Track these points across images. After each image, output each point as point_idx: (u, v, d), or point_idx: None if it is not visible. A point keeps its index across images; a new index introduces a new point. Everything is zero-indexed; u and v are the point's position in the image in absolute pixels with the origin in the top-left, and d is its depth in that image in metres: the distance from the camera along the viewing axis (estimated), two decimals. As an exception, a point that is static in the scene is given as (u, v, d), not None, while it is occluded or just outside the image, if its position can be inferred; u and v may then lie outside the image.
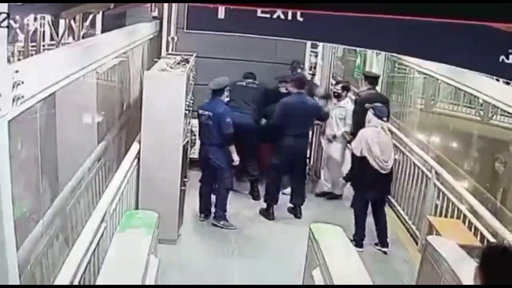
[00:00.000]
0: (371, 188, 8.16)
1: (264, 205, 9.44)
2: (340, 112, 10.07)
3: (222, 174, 8.85)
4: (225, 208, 8.93)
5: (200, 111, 8.76)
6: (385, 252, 8.21)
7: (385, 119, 8.19)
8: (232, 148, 8.81)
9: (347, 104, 10.07)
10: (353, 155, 8.41)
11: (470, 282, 3.21)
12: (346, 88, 10.23)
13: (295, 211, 9.42)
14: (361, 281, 5.02)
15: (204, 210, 9.04)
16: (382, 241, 8.33)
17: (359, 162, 8.15)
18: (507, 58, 4.81)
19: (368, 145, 7.97)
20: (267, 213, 9.36)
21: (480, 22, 3.99)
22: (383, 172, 8.05)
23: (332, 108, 10.25)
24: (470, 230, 7.30)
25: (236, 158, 8.85)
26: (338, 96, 10.14)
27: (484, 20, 3.68)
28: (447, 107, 10.18)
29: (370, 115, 8.16)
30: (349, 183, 8.87)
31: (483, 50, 4.96)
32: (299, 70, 10.59)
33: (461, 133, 9.18)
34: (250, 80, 10.28)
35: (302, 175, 9.68)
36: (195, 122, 9.18)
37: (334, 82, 10.73)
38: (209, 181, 8.98)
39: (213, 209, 8.98)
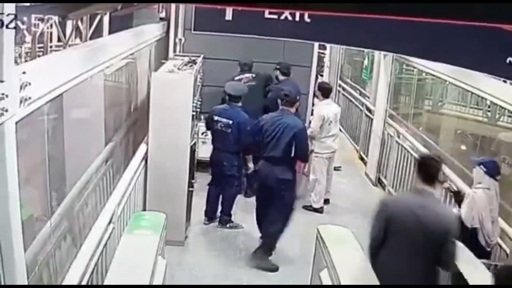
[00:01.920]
0: None
1: None
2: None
3: (232, 181, 8.79)
4: (230, 213, 8.92)
5: (216, 118, 8.57)
6: None
7: (498, 177, 6.17)
8: (249, 157, 8.70)
9: (317, 106, 10.00)
10: (463, 227, 5.94)
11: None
12: (321, 88, 10.00)
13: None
14: (369, 283, 5.01)
15: (210, 213, 9.01)
16: None
17: (469, 237, 5.94)
18: (515, 60, 4.81)
19: (481, 215, 6.07)
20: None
21: (488, 24, 3.98)
22: (488, 250, 6.16)
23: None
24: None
25: (251, 166, 8.73)
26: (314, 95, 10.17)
27: (491, 22, 3.67)
28: (454, 109, 10.15)
29: (480, 173, 6.18)
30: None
31: (490, 52, 4.95)
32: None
33: (468, 134, 9.15)
34: (247, 75, 10.15)
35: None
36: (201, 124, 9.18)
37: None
38: (218, 185, 8.92)
39: (218, 214, 8.98)
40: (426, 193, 5.19)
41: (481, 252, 5.85)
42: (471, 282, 5.08)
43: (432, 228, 5.05)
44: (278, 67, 10.22)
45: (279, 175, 7.68)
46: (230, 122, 8.48)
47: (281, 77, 10.16)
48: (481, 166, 6.16)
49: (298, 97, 8.31)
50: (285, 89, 8.23)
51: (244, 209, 9.28)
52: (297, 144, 7.65)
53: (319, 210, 9.83)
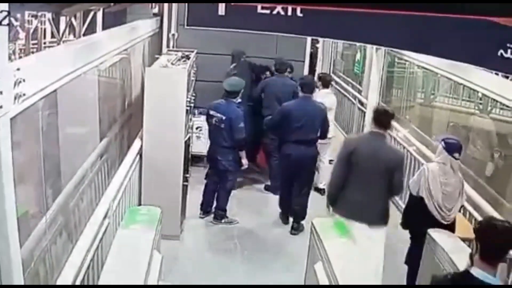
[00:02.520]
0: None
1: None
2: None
3: (227, 175, 8.84)
4: (225, 208, 8.98)
5: (212, 112, 8.68)
6: None
7: (457, 155, 6.48)
8: (243, 153, 8.79)
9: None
10: (410, 196, 6.77)
11: None
12: (320, 78, 10.57)
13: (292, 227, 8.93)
14: (363, 275, 5.05)
15: (206, 207, 9.05)
16: None
17: (415, 205, 6.56)
18: (506, 52, 4.82)
19: (427, 184, 6.42)
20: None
21: (479, 17, 4.03)
22: (443, 222, 6.42)
23: None
24: (471, 222, 7.33)
25: (245, 162, 8.85)
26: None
27: (483, 15, 3.72)
28: (446, 101, 10.20)
29: (439, 148, 6.62)
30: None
31: (482, 45, 4.96)
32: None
33: (460, 126, 9.19)
34: (231, 67, 10.37)
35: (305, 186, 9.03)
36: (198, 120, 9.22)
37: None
38: (214, 180, 8.99)
39: (213, 209, 9.04)
40: (380, 135, 6.62)
41: (432, 223, 6.34)
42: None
43: (385, 159, 6.49)
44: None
45: (312, 153, 8.79)
46: (223, 117, 8.53)
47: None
48: (442, 142, 6.61)
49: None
50: (304, 78, 9.36)
51: (239, 204, 9.34)
52: (323, 127, 8.80)
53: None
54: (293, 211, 8.96)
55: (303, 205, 8.87)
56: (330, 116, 9.91)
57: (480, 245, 3.84)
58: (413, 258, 6.53)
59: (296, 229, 8.78)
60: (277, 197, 9.39)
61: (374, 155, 6.49)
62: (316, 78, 10.71)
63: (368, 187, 6.50)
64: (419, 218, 6.51)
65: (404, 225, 6.81)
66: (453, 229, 6.49)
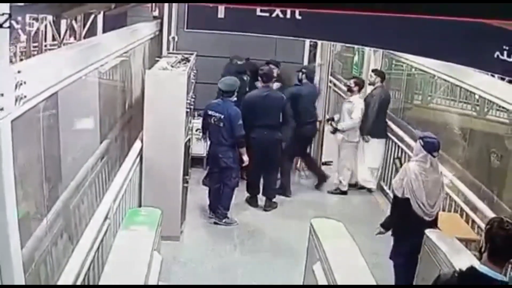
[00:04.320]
0: (412, 238, 6.47)
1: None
2: (348, 107, 10.44)
3: (230, 173, 8.89)
4: (228, 207, 8.99)
5: (210, 112, 8.78)
6: None
7: (435, 153, 6.60)
8: (243, 150, 8.88)
9: (356, 100, 10.38)
10: (394, 197, 6.81)
11: None
12: (357, 84, 10.57)
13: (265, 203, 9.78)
14: (362, 276, 5.07)
15: (214, 207, 9.06)
16: None
17: (401, 206, 6.62)
18: (502, 54, 4.86)
19: (411, 185, 6.48)
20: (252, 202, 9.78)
21: (476, 19, 4.05)
22: (426, 219, 6.53)
23: (343, 102, 10.97)
24: (468, 223, 7.37)
25: (246, 158, 8.93)
26: (350, 91, 10.59)
27: (479, 17, 3.75)
28: (444, 103, 10.25)
29: (418, 147, 6.67)
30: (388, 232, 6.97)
31: (478, 47, 5.01)
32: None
33: (457, 128, 9.22)
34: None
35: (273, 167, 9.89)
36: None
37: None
38: (217, 179, 9.02)
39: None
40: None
41: (416, 221, 6.43)
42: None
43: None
44: (304, 70, 10.61)
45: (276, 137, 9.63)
46: (222, 116, 8.65)
47: (304, 80, 10.55)
48: (420, 141, 6.62)
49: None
50: (264, 69, 9.81)
51: (237, 205, 9.37)
52: (284, 112, 9.61)
53: (345, 192, 10.66)
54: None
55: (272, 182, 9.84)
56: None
57: (490, 245, 3.88)
58: (397, 255, 6.68)
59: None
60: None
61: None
62: (350, 82, 10.80)
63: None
64: (403, 217, 6.59)
65: (387, 225, 6.83)
66: (436, 224, 6.64)
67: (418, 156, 6.59)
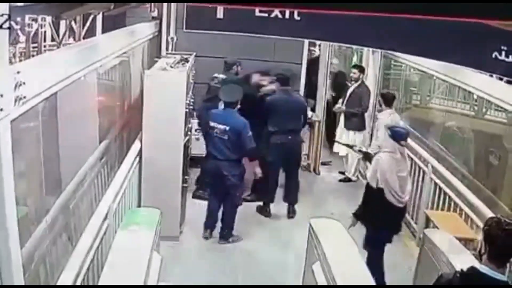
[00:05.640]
0: (385, 225, 6.80)
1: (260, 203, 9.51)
2: (376, 124, 10.39)
3: (234, 191, 8.27)
4: (233, 226, 8.43)
5: (212, 124, 8.14)
6: None
7: (403, 142, 6.77)
8: (256, 162, 8.39)
9: (383, 116, 10.03)
10: (367, 187, 6.94)
11: None
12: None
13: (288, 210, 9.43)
14: (361, 275, 5.08)
15: (211, 225, 8.46)
16: None
17: (374, 196, 6.77)
18: (500, 55, 4.88)
19: (384, 175, 6.65)
20: (264, 211, 9.43)
21: (474, 20, 4.06)
22: (399, 206, 6.78)
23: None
24: (467, 223, 7.39)
25: (259, 171, 8.48)
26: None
27: (477, 17, 3.76)
28: (442, 103, 10.27)
29: (386, 137, 6.84)
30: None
31: (477, 47, 5.03)
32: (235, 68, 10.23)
33: (456, 128, 9.24)
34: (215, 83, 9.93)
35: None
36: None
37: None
38: (219, 197, 8.38)
39: (218, 227, 8.45)
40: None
41: (390, 208, 6.69)
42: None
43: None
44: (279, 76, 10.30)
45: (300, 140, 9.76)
46: (227, 128, 8.03)
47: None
48: (388, 131, 6.82)
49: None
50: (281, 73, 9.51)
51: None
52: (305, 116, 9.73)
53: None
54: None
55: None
56: None
57: (489, 246, 3.88)
58: (373, 244, 6.79)
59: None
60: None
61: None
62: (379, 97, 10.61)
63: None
64: (376, 207, 6.73)
65: (360, 215, 6.91)
66: (404, 213, 7.20)
67: (387, 148, 6.74)
